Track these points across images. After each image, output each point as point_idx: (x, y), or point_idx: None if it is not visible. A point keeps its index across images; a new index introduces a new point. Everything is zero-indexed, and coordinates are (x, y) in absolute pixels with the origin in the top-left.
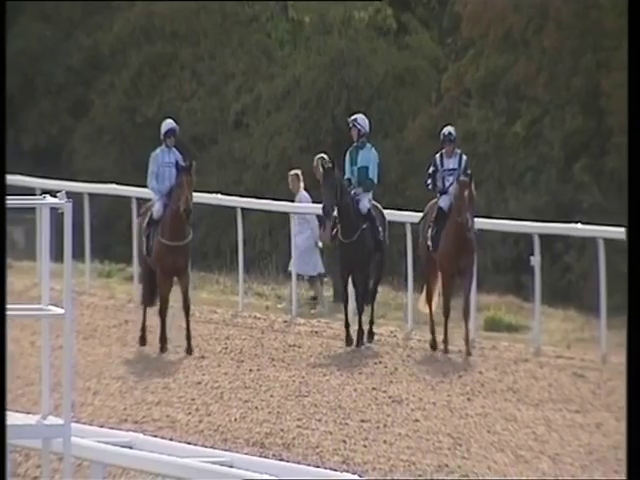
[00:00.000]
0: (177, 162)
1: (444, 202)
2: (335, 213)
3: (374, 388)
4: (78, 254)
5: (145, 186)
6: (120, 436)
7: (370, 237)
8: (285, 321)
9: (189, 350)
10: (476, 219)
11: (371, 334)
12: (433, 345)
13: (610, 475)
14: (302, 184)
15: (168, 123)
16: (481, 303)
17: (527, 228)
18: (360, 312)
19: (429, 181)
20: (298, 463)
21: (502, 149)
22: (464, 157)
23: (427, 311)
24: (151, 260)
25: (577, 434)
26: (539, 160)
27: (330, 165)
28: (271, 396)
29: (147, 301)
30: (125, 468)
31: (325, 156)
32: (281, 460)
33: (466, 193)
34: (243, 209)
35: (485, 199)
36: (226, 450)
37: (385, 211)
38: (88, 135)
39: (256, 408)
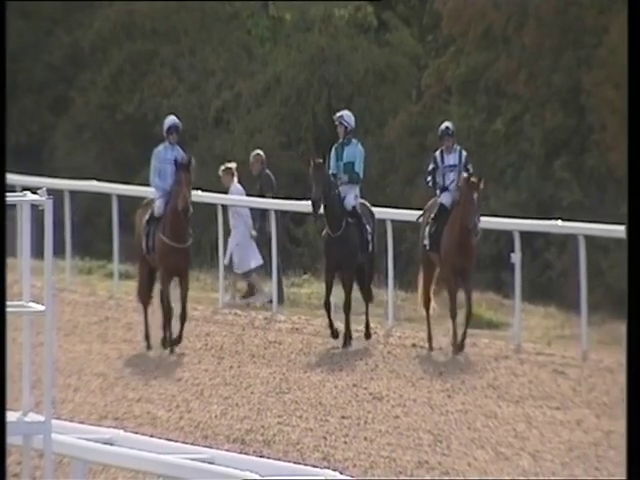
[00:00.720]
0: (176, 159)
1: (446, 199)
2: (322, 210)
3: (355, 385)
4: (59, 251)
5: (126, 182)
6: (101, 433)
7: (356, 232)
8: (265, 318)
9: (171, 349)
10: None
11: (368, 335)
12: (430, 347)
13: (591, 472)
14: (236, 178)
15: (170, 119)
16: (462, 300)
17: (507, 225)
18: (347, 310)
19: (429, 178)
20: (279, 460)
21: (483, 146)
22: (464, 153)
23: (424, 312)
24: (151, 258)
25: (557, 431)
26: (519, 157)
27: (321, 160)
28: (252, 393)
29: (144, 298)
30: (106, 465)
31: (261, 152)
32: (262, 457)
33: (475, 196)
34: (223, 206)
35: None
36: (207, 447)
37: None
38: (69, 132)
39: (237, 405)
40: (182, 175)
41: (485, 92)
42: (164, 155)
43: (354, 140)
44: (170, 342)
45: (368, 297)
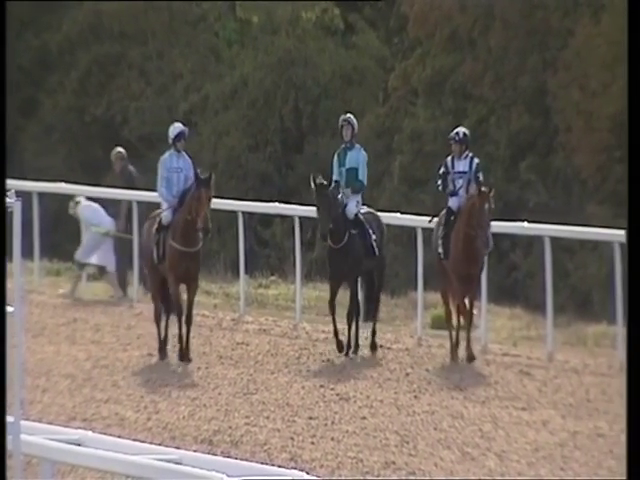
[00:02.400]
0: (197, 174)
1: (454, 203)
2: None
3: (322, 386)
4: (27, 252)
5: (94, 184)
6: (69, 433)
7: (359, 242)
8: (233, 319)
9: (181, 357)
10: (420, 218)
11: (374, 344)
12: (453, 356)
13: (556, 472)
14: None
15: (177, 127)
16: (428, 301)
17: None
18: (356, 321)
19: (439, 182)
20: (246, 460)
21: (449, 148)
22: (475, 160)
23: (451, 322)
24: (163, 267)
25: (523, 431)
26: (485, 159)
27: (324, 182)
28: (219, 394)
29: (159, 317)
30: (74, 465)
31: (121, 150)
32: (229, 457)
33: (486, 206)
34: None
35: (432, 198)
36: (174, 447)
37: None
38: (37, 134)
39: (204, 406)
40: (202, 192)
41: (451, 94)
42: (170, 163)
43: (357, 145)
44: (183, 352)
45: (375, 306)
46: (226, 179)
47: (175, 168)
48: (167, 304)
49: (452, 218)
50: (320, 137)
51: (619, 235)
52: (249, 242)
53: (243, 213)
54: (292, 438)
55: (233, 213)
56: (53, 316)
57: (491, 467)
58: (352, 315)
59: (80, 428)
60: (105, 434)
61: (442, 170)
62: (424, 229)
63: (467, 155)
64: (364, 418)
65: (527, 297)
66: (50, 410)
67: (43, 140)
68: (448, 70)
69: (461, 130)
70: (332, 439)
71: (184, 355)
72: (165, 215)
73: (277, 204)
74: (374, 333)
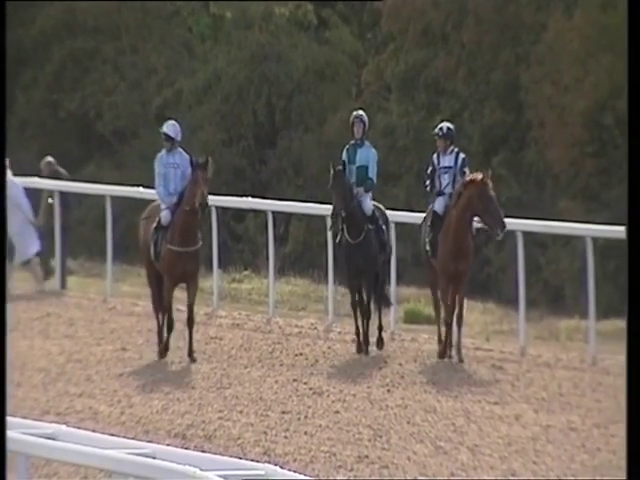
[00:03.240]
0: (192, 160)
1: (438, 206)
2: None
3: (295, 380)
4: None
5: (68, 179)
6: (43, 427)
7: (375, 237)
8: (207, 314)
9: (192, 358)
10: (396, 212)
11: (381, 340)
12: (442, 354)
13: (529, 466)
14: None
15: (166, 126)
16: (401, 295)
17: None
18: (367, 318)
19: (427, 182)
20: (219, 454)
21: (422, 143)
22: (461, 155)
23: (439, 320)
24: (159, 265)
25: (496, 425)
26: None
27: (341, 168)
28: (193, 388)
29: (158, 306)
30: (48, 459)
31: (50, 159)
32: (202, 451)
33: (491, 192)
34: None
35: (405, 193)
36: (148, 442)
37: (305, 204)
38: (11, 129)
39: (178, 400)
40: (199, 173)
41: (424, 89)
42: (166, 159)
43: (367, 142)
44: (162, 351)
45: (385, 302)
46: None
47: (171, 164)
48: (162, 299)
49: (438, 220)
50: (293, 132)
51: (591, 230)
52: (222, 237)
53: (216, 208)
54: (265, 432)
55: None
56: (26, 310)
57: (464, 461)
58: (368, 313)
59: (54, 422)
60: (79, 428)
61: (430, 169)
62: (397, 224)
63: (452, 150)
64: (337, 412)
65: (499, 292)
66: (24, 404)
67: (17, 135)
68: (421, 65)
69: (445, 125)
70: (305, 433)
71: (189, 356)
72: (164, 215)
73: (250, 199)
74: (381, 328)
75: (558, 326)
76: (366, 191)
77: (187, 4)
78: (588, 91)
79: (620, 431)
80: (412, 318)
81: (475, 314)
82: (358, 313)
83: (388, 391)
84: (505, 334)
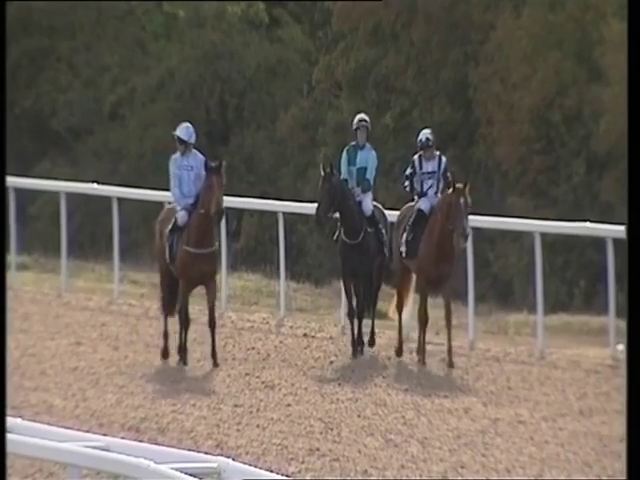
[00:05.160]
0: (206, 162)
1: (424, 205)
2: (337, 215)
3: (247, 374)
4: None
5: (22, 176)
6: None
7: (374, 239)
8: (160, 308)
9: (215, 363)
10: None
11: (372, 340)
12: (399, 352)
13: (478, 459)
14: None
15: (179, 129)
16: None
17: (396, 217)
18: (360, 318)
19: (406, 183)
20: (172, 447)
21: (372, 140)
22: (443, 159)
23: (397, 318)
24: (174, 268)
25: (445, 419)
26: (408, 151)
27: (329, 170)
28: (146, 382)
29: (167, 310)
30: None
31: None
32: (156, 444)
33: (462, 200)
34: (119, 198)
35: None
36: (102, 434)
37: (258, 201)
38: None
39: (131, 393)
40: (213, 179)
41: (374, 87)
42: (180, 161)
43: (368, 144)
44: (181, 351)
45: (374, 303)
46: (152, 170)
47: (185, 166)
48: (174, 303)
49: (422, 219)
50: (245, 129)
51: (539, 225)
52: None
53: (170, 204)
54: (218, 425)
55: (159, 204)
56: None
57: (414, 453)
58: (361, 314)
59: (9, 416)
60: (34, 421)
61: (409, 171)
62: None
63: (435, 155)
64: (289, 405)
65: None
66: None
67: None
68: (371, 63)
69: (426, 134)
70: (257, 426)
71: (212, 358)
72: (181, 215)
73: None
74: (373, 332)
75: (507, 320)
76: (363, 191)
77: (141, 3)
78: (536, 89)
79: (568, 424)
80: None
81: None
82: (355, 320)
83: (339, 385)
84: (454, 328)
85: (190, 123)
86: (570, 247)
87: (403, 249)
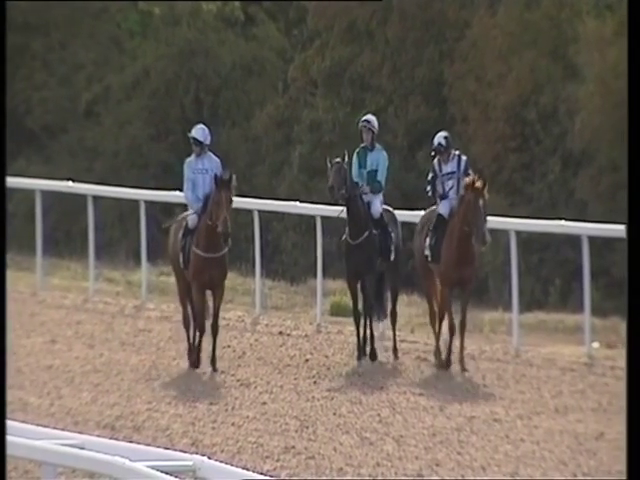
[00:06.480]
0: (216, 176)
1: (444, 209)
2: (344, 214)
3: (222, 372)
4: None
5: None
6: None
7: (379, 241)
8: (135, 306)
9: (214, 368)
10: (319, 207)
11: (395, 349)
12: (442, 364)
13: (453, 457)
14: None
15: (196, 130)
16: (327, 288)
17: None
18: (369, 320)
19: (428, 188)
20: (148, 445)
21: (347, 138)
22: (463, 158)
23: (435, 326)
24: (188, 273)
25: (421, 416)
26: (383, 148)
27: (338, 159)
28: (122, 380)
29: (189, 323)
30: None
31: None
32: (131, 442)
33: (480, 202)
34: (94, 196)
35: None
36: (77, 432)
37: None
38: None
39: (107, 391)
40: (222, 195)
41: (350, 85)
42: (195, 165)
43: (378, 145)
44: (196, 362)
45: (394, 309)
46: (128, 168)
47: (200, 169)
48: (194, 310)
49: (443, 223)
50: (221, 127)
51: (514, 223)
52: (151, 230)
53: (145, 202)
54: (193, 423)
55: (135, 202)
56: None
57: (389, 451)
58: (365, 316)
59: None
60: (9, 419)
61: (431, 175)
62: (323, 218)
63: (454, 156)
64: (264, 403)
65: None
66: None
67: None
68: (347, 61)
69: (440, 138)
70: (233, 424)
71: (212, 364)
72: (191, 218)
73: (178, 193)
74: (395, 337)
75: (482, 318)
76: (373, 192)
77: (116, 1)
78: (511, 87)
79: (543, 422)
80: (338, 311)
81: (400, 306)
82: (360, 322)
83: (314, 383)
84: (429, 326)
85: (166, 121)
86: (545, 245)
87: (427, 253)
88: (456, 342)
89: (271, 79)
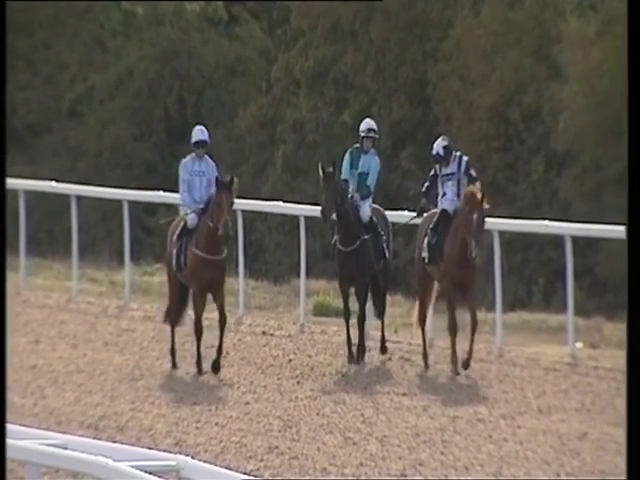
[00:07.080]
0: (217, 178)
1: (448, 205)
2: (334, 218)
3: (206, 372)
4: None
5: None
6: None
7: (371, 245)
8: (119, 306)
9: (216, 368)
10: (303, 206)
11: (384, 348)
12: (426, 365)
13: (437, 457)
14: None
15: (198, 132)
16: (310, 288)
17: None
18: (362, 323)
19: (426, 184)
20: (131, 445)
21: (331, 138)
22: (464, 158)
23: (420, 328)
24: (182, 275)
25: (404, 416)
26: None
27: (331, 170)
28: (105, 380)
29: (174, 320)
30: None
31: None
32: (115, 442)
33: (475, 216)
34: (77, 196)
35: (314, 187)
36: (61, 432)
37: None
38: None
39: (90, 391)
40: (223, 197)
41: (333, 85)
42: (192, 167)
43: (372, 150)
44: (199, 363)
45: (381, 309)
46: (111, 168)
47: (197, 171)
48: (182, 313)
49: (446, 220)
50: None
51: (498, 223)
52: (134, 230)
53: (128, 202)
54: (177, 423)
55: (118, 202)
56: None
57: (372, 451)
58: (362, 321)
59: None
60: None
61: (431, 174)
62: (306, 217)
63: (455, 157)
64: (248, 403)
65: (407, 284)
66: None
67: None
68: (330, 61)
69: (439, 147)
70: (216, 424)
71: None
72: (191, 218)
73: (161, 192)
74: (383, 337)
75: (465, 318)
76: (362, 198)
77: (99, 1)
78: (494, 86)
79: (526, 422)
80: (321, 311)
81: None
82: (350, 324)
83: (298, 383)
84: (411, 326)
85: (149, 120)
86: (529, 245)
87: (425, 254)
88: (451, 343)
89: (254, 79)
